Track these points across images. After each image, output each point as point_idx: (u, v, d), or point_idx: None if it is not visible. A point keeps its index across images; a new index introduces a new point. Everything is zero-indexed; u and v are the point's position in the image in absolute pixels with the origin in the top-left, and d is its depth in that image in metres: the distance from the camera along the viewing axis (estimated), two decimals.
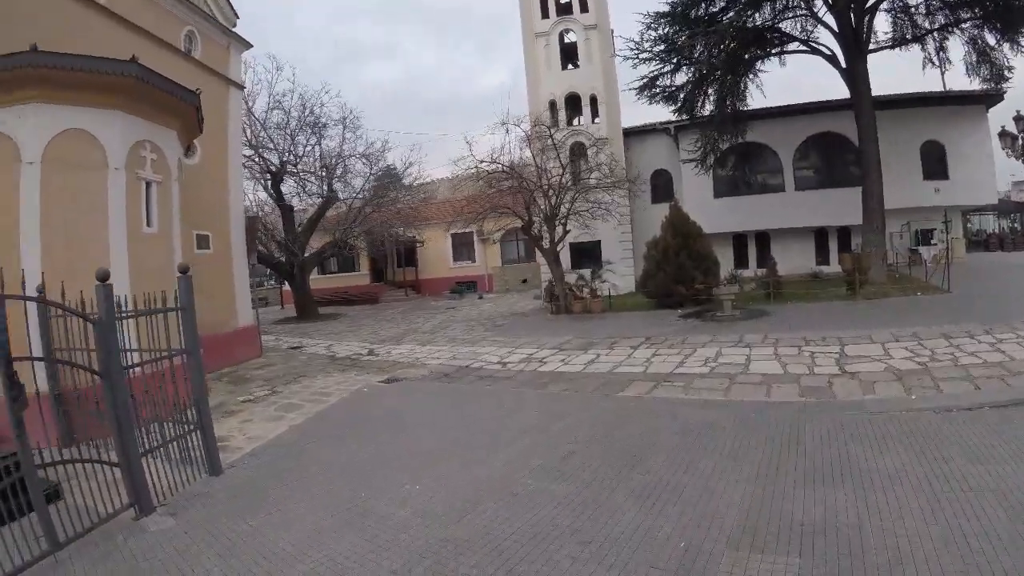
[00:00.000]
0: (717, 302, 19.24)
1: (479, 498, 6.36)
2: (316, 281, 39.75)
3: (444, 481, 6.97)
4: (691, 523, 5.38)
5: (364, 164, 32.91)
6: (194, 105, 12.91)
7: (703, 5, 23.64)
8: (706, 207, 29.51)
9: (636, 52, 24.54)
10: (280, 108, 29.77)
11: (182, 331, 7.65)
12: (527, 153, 25.47)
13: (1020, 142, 28.28)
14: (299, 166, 31.10)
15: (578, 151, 28.85)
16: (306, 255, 31.90)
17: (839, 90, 25.45)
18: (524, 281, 40.75)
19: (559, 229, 24.55)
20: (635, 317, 20.81)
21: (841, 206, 27.48)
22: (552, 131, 25.63)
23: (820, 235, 32.26)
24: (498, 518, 5.84)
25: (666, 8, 23.76)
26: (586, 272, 25.42)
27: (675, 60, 24.80)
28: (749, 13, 24.13)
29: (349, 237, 32.90)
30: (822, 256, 31.90)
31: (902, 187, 28.45)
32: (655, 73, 25.40)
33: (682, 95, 26.03)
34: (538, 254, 27.79)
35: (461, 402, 11.16)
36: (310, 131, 30.71)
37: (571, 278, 25.22)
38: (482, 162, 24.40)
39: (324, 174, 31.78)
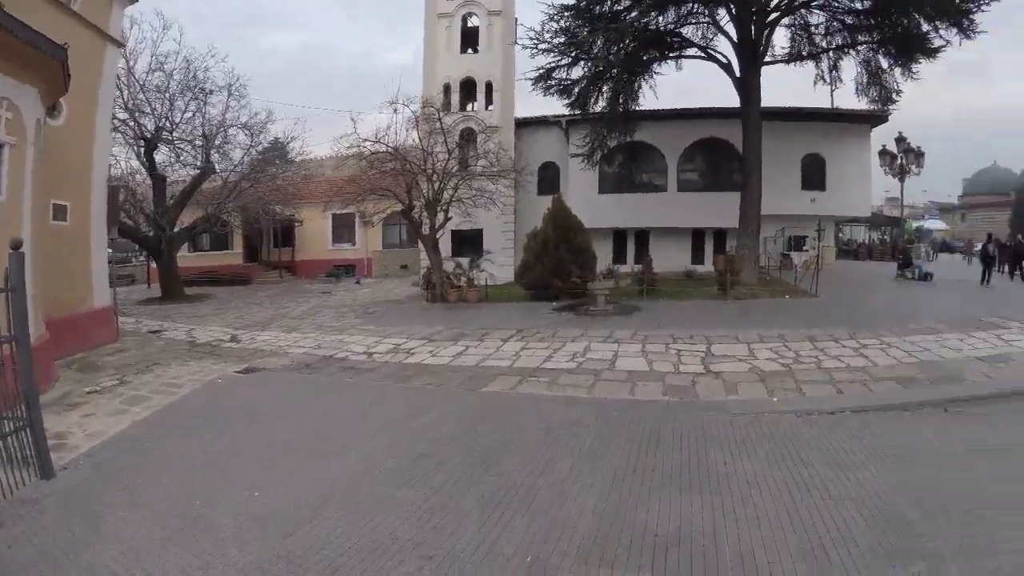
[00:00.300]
0: (592, 296, 19.33)
1: (322, 505, 5.88)
2: (186, 259, 37.23)
3: (289, 485, 6.43)
4: (541, 533, 5.11)
5: (245, 135, 31.21)
6: (60, 60, 11.51)
7: (608, 2, 23.58)
8: (590, 202, 29.82)
9: (536, 42, 24.22)
10: (162, 70, 27.76)
11: (11, 316, 6.73)
12: (415, 135, 24.84)
13: (899, 161, 30.03)
14: (175, 133, 28.96)
15: (468, 137, 28.51)
16: (176, 230, 29.77)
17: (730, 98, 25.94)
18: (404, 267, 39.85)
19: (440, 215, 24.12)
20: (510, 308, 20.69)
21: (720, 209, 28.29)
22: (442, 114, 25.03)
23: (698, 236, 33.32)
24: (339, 529, 5.38)
25: (571, 1, 23.58)
26: (465, 261, 25.05)
27: (574, 54, 24.68)
28: (652, 15, 24.31)
29: (222, 212, 31.12)
30: (698, 256, 32.85)
31: (780, 195, 29.71)
32: (552, 65, 25.20)
33: (577, 89, 26.00)
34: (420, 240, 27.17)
35: (320, 396, 10.49)
36: (191, 96, 28.82)
37: (450, 266, 24.78)
38: (366, 141, 23.64)
39: (202, 143, 29.77)
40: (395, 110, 24.09)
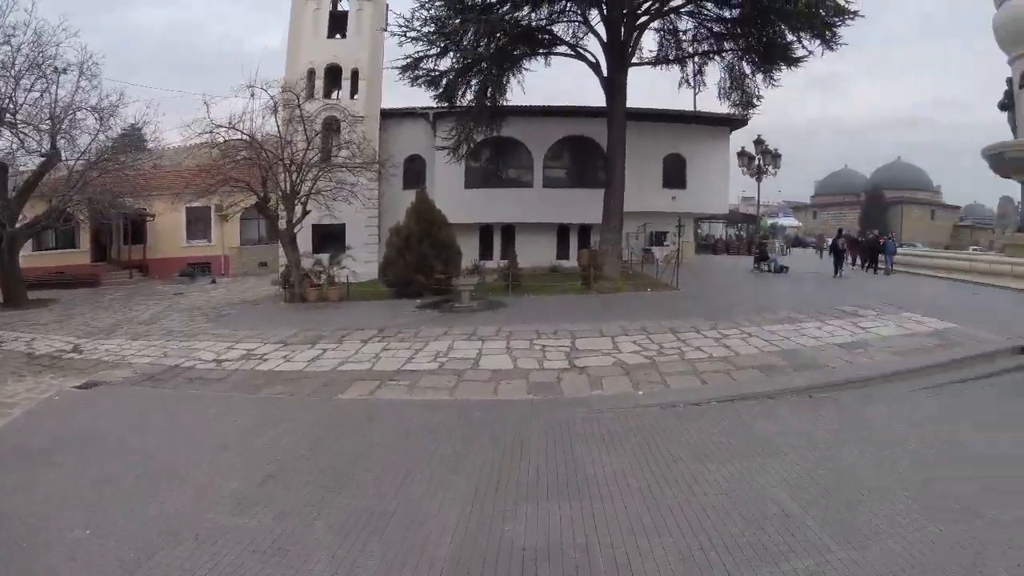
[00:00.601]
0: (456, 293, 18.82)
1: (155, 545, 5.00)
2: (30, 259, 32.84)
3: (121, 521, 5.49)
4: (397, 561, 4.63)
5: (95, 119, 28.25)
6: None
7: None
8: (457, 197, 29.35)
9: (405, 29, 23.22)
10: (8, 44, 24.62)
11: None
12: (274, 122, 23.23)
13: (756, 162, 31.21)
14: (19, 116, 25.98)
15: (331, 127, 27.14)
16: (17, 226, 26.23)
17: (597, 98, 26.13)
18: (263, 264, 37.62)
19: (298, 209, 22.59)
20: (372, 307, 19.84)
21: (585, 206, 28.38)
22: (302, 101, 23.67)
23: (563, 231, 33.58)
24: (174, 573, 4.61)
25: None
26: (325, 258, 23.92)
27: (443, 44, 23.89)
28: (525, 11, 24.08)
29: (67, 205, 28.09)
30: (563, 252, 33.15)
31: (643, 192, 30.31)
32: (421, 54, 24.36)
33: (445, 81, 25.27)
34: None
35: (162, 412, 9.34)
36: (39, 74, 25.73)
37: (310, 263, 23.51)
38: (219, 127, 21.67)
39: (49, 127, 26.74)
40: (252, 94, 22.32)
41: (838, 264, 27.53)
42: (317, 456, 7.00)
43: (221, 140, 22.00)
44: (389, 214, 29.24)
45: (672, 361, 10.84)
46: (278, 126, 22.60)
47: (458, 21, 22.66)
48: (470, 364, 11.19)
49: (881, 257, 29.26)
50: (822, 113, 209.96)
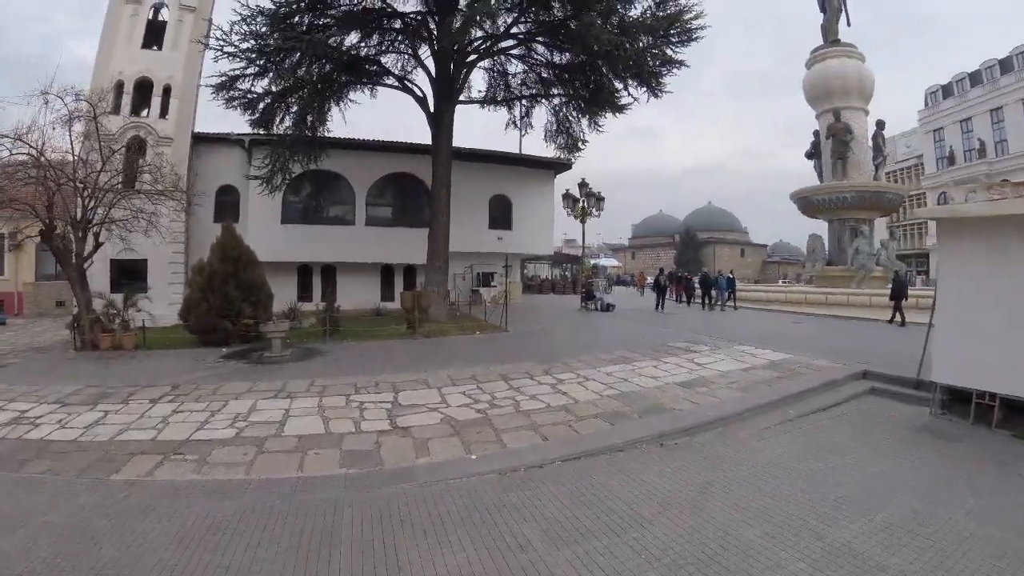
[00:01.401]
0: (267, 340, 16.44)
1: None
2: None
3: None
4: None
5: None
6: None
7: (308, 15, 21.08)
8: (272, 233, 27.34)
9: (222, 44, 20.48)
10: None
11: None
12: (69, 138, 19.63)
13: (581, 204, 31.30)
14: None
15: (136, 147, 24.32)
16: None
17: (422, 135, 25.18)
18: (60, 304, 32.90)
19: (90, 240, 19.38)
20: (170, 357, 16.72)
21: (410, 245, 27.36)
22: (104, 114, 20.59)
23: (388, 272, 32.09)
24: None
25: (270, 6, 20.30)
26: (119, 298, 20.31)
27: (262, 63, 21.51)
28: (354, 39, 22.85)
29: None
30: (388, 293, 31.51)
31: (469, 233, 29.67)
32: (237, 73, 21.70)
33: (262, 105, 22.90)
34: None
35: None
36: None
37: (102, 304, 19.77)
38: (2, 137, 17.83)
39: None
40: (46, 101, 19.06)
41: (660, 300, 30.18)
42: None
43: (6, 153, 18.62)
44: (198, 250, 26.00)
45: (507, 415, 9.61)
46: (71, 141, 19.47)
47: (281, 40, 20.72)
48: (274, 429, 9.10)
49: (714, 293, 31.09)
50: (638, 162, 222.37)
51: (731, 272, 36.02)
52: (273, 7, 19.95)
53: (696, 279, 35.31)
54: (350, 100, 25.06)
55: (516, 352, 15.72)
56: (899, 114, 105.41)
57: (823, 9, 38.75)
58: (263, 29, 20.29)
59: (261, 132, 24.24)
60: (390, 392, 11.26)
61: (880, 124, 37.81)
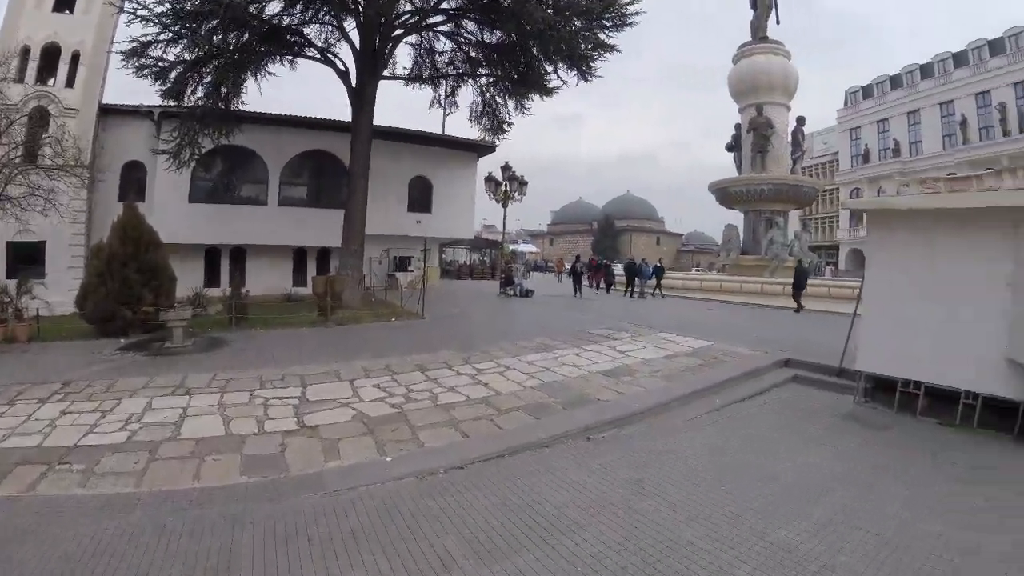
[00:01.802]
0: (169, 329, 15.22)
1: None
2: None
3: None
4: None
5: None
6: None
7: None
8: (180, 212, 25.69)
9: (136, 6, 18.94)
10: None
11: None
12: None
13: (503, 188, 30.87)
14: None
15: (39, 119, 22.18)
16: None
17: (341, 111, 24.18)
18: None
19: None
20: (65, 350, 14.95)
21: (325, 227, 26.26)
22: (6, 84, 18.93)
23: (300, 255, 30.66)
24: None
25: None
26: (12, 284, 18.19)
27: (177, 28, 19.79)
28: (280, 11, 21.57)
29: None
30: (300, 278, 29.99)
31: (387, 215, 28.99)
32: (150, 39, 20.02)
33: (174, 74, 21.26)
34: None
35: None
36: None
37: None
38: None
39: None
40: None
41: (578, 286, 30.65)
42: None
43: None
44: (102, 231, 24.22)
45: (424, 409, 8.92)
46: None
47: (198, 4, 19.30)
48: (169, 431, 8.08)
49: (637, 281, 31.13)
50: (560, 148, 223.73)
51: (659, 260, 36.59)
52: None
53: (619, 266, 35.61)
54: (268, 72, 23.62)
55: (433, 340, 15.01)
56: (819, 112, 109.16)
57: (754, 6, 40.04)
58: None
59: (172, 104, 22.58)
60: (298, 386, 10.35)
61: (800, 120, 39.17)
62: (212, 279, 27.90)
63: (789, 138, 38.57)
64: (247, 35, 21.00)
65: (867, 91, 72.90)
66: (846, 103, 75.70)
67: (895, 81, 69.20)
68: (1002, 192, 8.96)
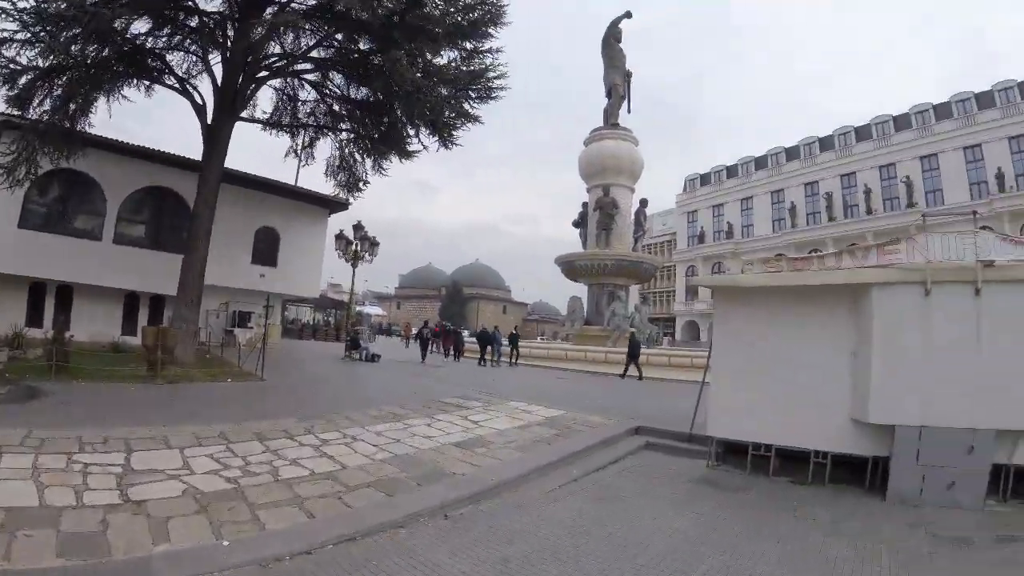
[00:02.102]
0: None
1: None
2: None
3: None
4: None
5: None
6: None
7: None
8: (6, 237, 23.10)
9: None
10: None
11: None
12: None
13: (354, 247, 30.28)
14: None
15: None
16: None
17: (190, 148, 22.82)
18: None
19: None
20: None
21: (161, 273, 24.28)
22: None
23: (132, 301, 28.15)
24: None
25: None
26: None
27: (37, 30, 18.01)
28: (147, 32, 20.51)
29: None
30: (131, 326, 27.25)
31: (229, 265, 27.46)
32: (7, 36, 18.17)
33: (24, 79, 19.14)
34: None
35: None
36: None
37: None
38: None
39: None
40: None
41: (424, 352, 30.74)
42: None
43: None
44: None
45: (264, 485, 7.91)
46: None
47: (63, 6, 17.67)
48: None
49: (489, 348, 31.22)
50: (412, 212, 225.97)
51: (515, 328, 37.29)
52: None
53: (468, 333, 35.93)
54: (123, 95, 22.00)
55: (274, 406, 13.94)
56: (659, 195, 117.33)
57: (608, 95, 43.10)
58: None
59: (15, 114, 20.41)
60: (122, 451, 8.96)
61: (643, 202, 43.01)
62: (35, 318, 24.95)
63: (632, 218, 41.72)
64: (107, 50, 19.47)
65: (705, 178, 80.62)
66: (685, 188, 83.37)
67: (731, 170, 77.13)
68: (842, 271, 9.62)
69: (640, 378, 23.63)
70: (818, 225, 65.78)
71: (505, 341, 33.17)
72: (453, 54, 21.49)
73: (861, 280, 8.96)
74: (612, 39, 43.18)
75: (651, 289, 72.48)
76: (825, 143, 68.60)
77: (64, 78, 19.66)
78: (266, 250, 31.15)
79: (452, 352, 34.56)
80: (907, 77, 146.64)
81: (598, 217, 40.16)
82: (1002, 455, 8.10)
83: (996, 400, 7.99)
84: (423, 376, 22.77)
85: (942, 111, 58.91)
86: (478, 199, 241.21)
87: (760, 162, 75.12)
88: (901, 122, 62.32)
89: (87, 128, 22.04)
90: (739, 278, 10.94)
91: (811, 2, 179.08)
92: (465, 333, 43.02)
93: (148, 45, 21.06)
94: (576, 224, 43.68)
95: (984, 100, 55.86)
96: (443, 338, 37.17)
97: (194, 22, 20.93)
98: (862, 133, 65.64)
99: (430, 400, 15.56)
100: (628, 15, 42.81)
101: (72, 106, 20.65)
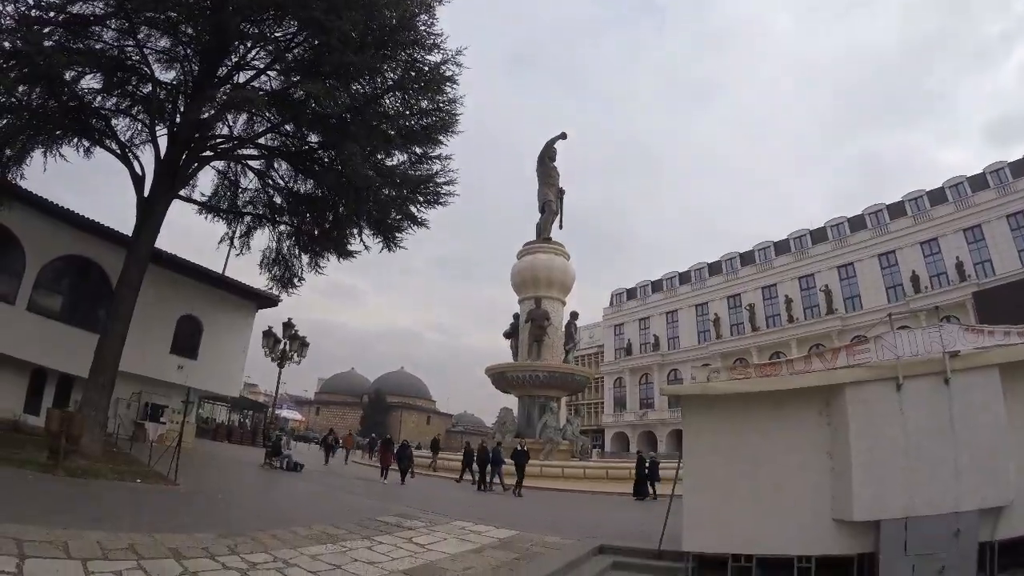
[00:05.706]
0: None
1: None
2: None
3: None
4: None
5: None
6: None
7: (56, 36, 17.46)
8: None
9: None
10: None
11: None
12: None
13: (282, 346, 28.76)
14: None
15: None
16: None
17: (118, 220, 21.38)
18: None
19: None
20: None
21: (73, 351, 22.32)
22: None
23: (39, 377, 25.47)
24: None
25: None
26: None
27: None
28: (98, 91, 19.67)
29: None
30: (34, 405, 24.65)
31: (146, 352, 25.75)
32: None
33: None
34: None
35: None
36: None
37: None
38: None
39: None
40: None
41: (327, 455, 33.68)
42: None
43: None
44: None
45: None
46: None
47: (18, 43, 16.20)
48: None
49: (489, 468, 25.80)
50: (333, 314, 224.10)
51: (520, 444, 33.42)
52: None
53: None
54: (60, 153, 20.67)
55: (191, 517, 11.83)
56: (586, 309, 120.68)
57: (542, 210, 44.76)
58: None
59: None
60: (13, 555, 7.07)
61: (574, 315, 43.75)
62: None
63: (564, 330, 42.35)
64: (52, 100, 18.36)
65: (631, 292, 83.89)
66: (612, 303, 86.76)
67: (656, 285, 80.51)
68: (815, 373, 9.75)
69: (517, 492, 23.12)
70: (743, 335, 68.46)
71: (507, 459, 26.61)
72: (403, 156, 21.58)
73: (834, 381, 9.26)
74: (547, 158, 45.11)
75: (580, 401, 72.53)
76: (746, 258, 72.76)
77: (3, 121, 18.47)
78: (187, 340, 29.70)
79: (397, 467, 28.51)
80: (811, 196, 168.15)
81: (530, 328, 40.31)
82: (984, 532, 8.37)
83: (975, 480, 8.34)
84: (353, 490, 21.31)
85: (856, 222, 63.59)
86: (402, 306, 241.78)
87: (684, 277, 79.17)
88: (817, 235, 66.88)
89: (18, 180, 20.76)
90: (709, 386, 10.74)
91: (727, 135, 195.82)
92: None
93: (95, 104, 20.06)
94: (507, 335, 44.02)
95: (895, 210, 60.51)
96: (382, 452, 30.57)
97: (147, 89, 20.15)
98: (780, 247, 70.04)
99: (366, 518, 13.79)
100: (563, 136, 45.19)
101: (8, 152, 19.42)
